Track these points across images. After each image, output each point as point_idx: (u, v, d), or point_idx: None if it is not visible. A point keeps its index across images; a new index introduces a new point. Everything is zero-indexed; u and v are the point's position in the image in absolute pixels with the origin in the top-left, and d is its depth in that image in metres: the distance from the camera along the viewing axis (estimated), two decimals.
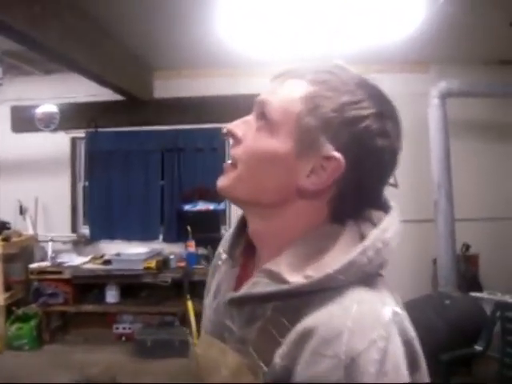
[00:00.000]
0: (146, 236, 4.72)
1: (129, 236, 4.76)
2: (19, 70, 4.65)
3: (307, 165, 0.67)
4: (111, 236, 4.82)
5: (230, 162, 0.73)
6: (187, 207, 4.40)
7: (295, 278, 0.63)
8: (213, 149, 4.66)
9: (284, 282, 0.64)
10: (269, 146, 0.68)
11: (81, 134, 4.83)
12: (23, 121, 4.86)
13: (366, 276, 0.63)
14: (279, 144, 0.67)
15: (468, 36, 3.70)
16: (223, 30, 3.49)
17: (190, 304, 3.95)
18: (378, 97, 0.69)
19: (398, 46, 3.81)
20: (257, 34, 3.54)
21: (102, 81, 3.80)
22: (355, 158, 0.66)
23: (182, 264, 4.27)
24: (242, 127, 0.72)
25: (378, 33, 3.54)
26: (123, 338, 4.44)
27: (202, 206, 4.40)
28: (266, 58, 4.23)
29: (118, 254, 4.39)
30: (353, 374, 0.55)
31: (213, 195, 4.49)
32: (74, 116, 4.77)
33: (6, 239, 4.45)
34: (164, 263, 4.27)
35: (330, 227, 0.69)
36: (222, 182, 0.73)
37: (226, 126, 0.73)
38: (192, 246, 4.29)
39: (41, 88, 4.85)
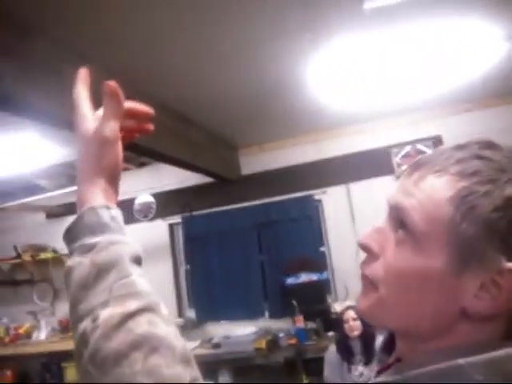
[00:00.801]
0: (251, 314, 4.63)
1: (234, 316, 4.70)
2: None
3: (473, 282, 0.52)
4: (217, 317, 4.79)
5: (368, 279, 0.60)
6: (290, 280, 4.28)
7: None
8: (307, 217, 4.57)
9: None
10: (417, 264, 0.54)
11: (177, 219, 4.97)
12: (124, 214, 5.09)
13: None
14: (430, 260, 0.53)
15: None
16: (302, 99, 3.51)
17: None
18: None
19: (484, 80, 3.63)
20: (336, 92, 3.51)
21: (190, 167, 3.93)
22: None
23: (293, 341, 4.09)
24: (376, 238, 0.59)
25: (461, 70, 3.40)
26: None
27: (304, 277, 4.26)
28: (346, 117, 4.20)
29: (227, 337, 4.32)
30: None
31: (314, 265, 4.35)
32: (168, 203, 4.96)
33: None
34: (274, 342, 4.12)
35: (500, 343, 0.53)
36: (363, 304, 0.60)
37: (358, 239, 0.61)
38: (300, 321, 4.12)
39: (136, 181, 5.11)
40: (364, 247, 0.60)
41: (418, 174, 0.57)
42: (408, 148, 4.47)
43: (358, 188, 4.47)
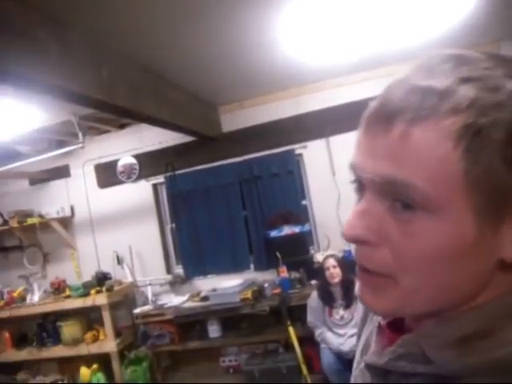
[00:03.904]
0: (237, 268, 4.80)
1: (221, 270, 4.87)
2: (96, 130, 4.97)
3: (508, 229, 0.44)
4: (204, 272, 4.95)
5: (374, 272, 0.48)
6: (273, 233, 4.43)
7: (446, 356, 0.45)
8: (288, 172, 4.67)
9: (427, 361, 0.46)
10: (443, 237, 0.43)
11: (160, 179, 5.04)
12: (107, 176, 5.17)
13: None
14: (457, 227, 0.43)
15: None
16: (279, 55, 3.53)
17: (291, 330, 3.95)
18: None
19: (462, 29, 3.66)
20: (312, 46, 3.51)
21: (171, 127, 3.96)
22: None
23: (277, 291, 4.28)
24: (368, 225, 0.47)
25: (437, 20, 3.42)
26: (231, 371, 4.51)
27: (287, 230, 4.40)
28: (323, 71, 4.21)
29: (214, 290, 4.49)
30: None
31: (296, 218, 4.49)
32: (151, 163, 5.01)
33: (110, 289, 4.71)
34: (259, 292, 4.30)
35: None
36: (383, 304, 0.49)
37: (344, 232, 0.48)
38: (284, 272, 4.30)
39: (118, 143, 5.14)
40: (356, 240, 0.48)
41: (399, 130, 0.44)
42: None
43: (338, 141, 4.55)
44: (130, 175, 5.05)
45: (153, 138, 4.93)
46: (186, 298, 4.73)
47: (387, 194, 0.46)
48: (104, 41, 2.81)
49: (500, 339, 0.43)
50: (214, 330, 4.49)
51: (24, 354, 4.96)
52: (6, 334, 5.14)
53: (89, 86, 2.69)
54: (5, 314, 4.97)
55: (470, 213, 0.43)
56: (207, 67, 3.60)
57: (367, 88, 4.54)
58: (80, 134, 4.26)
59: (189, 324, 4.58)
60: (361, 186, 0.50)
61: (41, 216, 5.25)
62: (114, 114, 3.60)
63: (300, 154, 4.77)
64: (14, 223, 5.17)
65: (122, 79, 3.08)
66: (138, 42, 2.94)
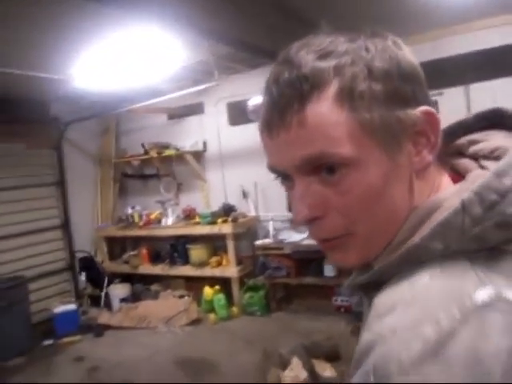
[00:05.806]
0: None
1: None
2: (231, 69, 5.16)
3: (408, 147, 0.55)
4: None
5: (331, 238, 0.57)
6: None
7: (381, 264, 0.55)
8: None
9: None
10: (369, 181, 0.53)
11: None
12: (237, 114, 5.40)
13: (478, 247, 0.48)
14: (375, 167, 0.53)
15: None
16: None
17: None
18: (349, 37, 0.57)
19: None
20: None
21: None
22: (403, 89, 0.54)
23: None
24: (310, 203, 0.55)
25: None
26: (342, 310, 4.66)
27: None
28: (467, 11, 3.87)
29: None
30: (385, 354, 0.43)
31: None
32: None
33: (235, 220, 5.06)
34: None
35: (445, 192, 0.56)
36: (352, 257, 0.58)
37: (295, 219, 0.57)
38: None
39: (249, 83, 5.29)
40: (308, 220, 0.56)
41: (294, 121, 0.53)
42: None
43: (478, 90, 4.24)
44: (260, 115, 5.21)
45: None
46: (305, 235, 4.90)
47: (311, 171, 0.55)
48: None
49: (410, 242, 0.52)
50: (329, 269, 4.64)
51: (157, 269, 5.61)
52: (144, 251, 5.82)
53: (229, 24, 2.82)
54: (143, 232, 5.64)
55: (379, 151, 0.53)
56: (339, 9, 3.51)
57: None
58: (216, 73, 4.47)
59: (305, 260, 4.78)
60: (286, 178, 0.60)
61: (176, 149, 5.69)
62: (251, 53, 3.70)
63: (435, 101, 4.53)
64: (153, 154, 5.69)
65: (260, 20, 3.15)
66: None
